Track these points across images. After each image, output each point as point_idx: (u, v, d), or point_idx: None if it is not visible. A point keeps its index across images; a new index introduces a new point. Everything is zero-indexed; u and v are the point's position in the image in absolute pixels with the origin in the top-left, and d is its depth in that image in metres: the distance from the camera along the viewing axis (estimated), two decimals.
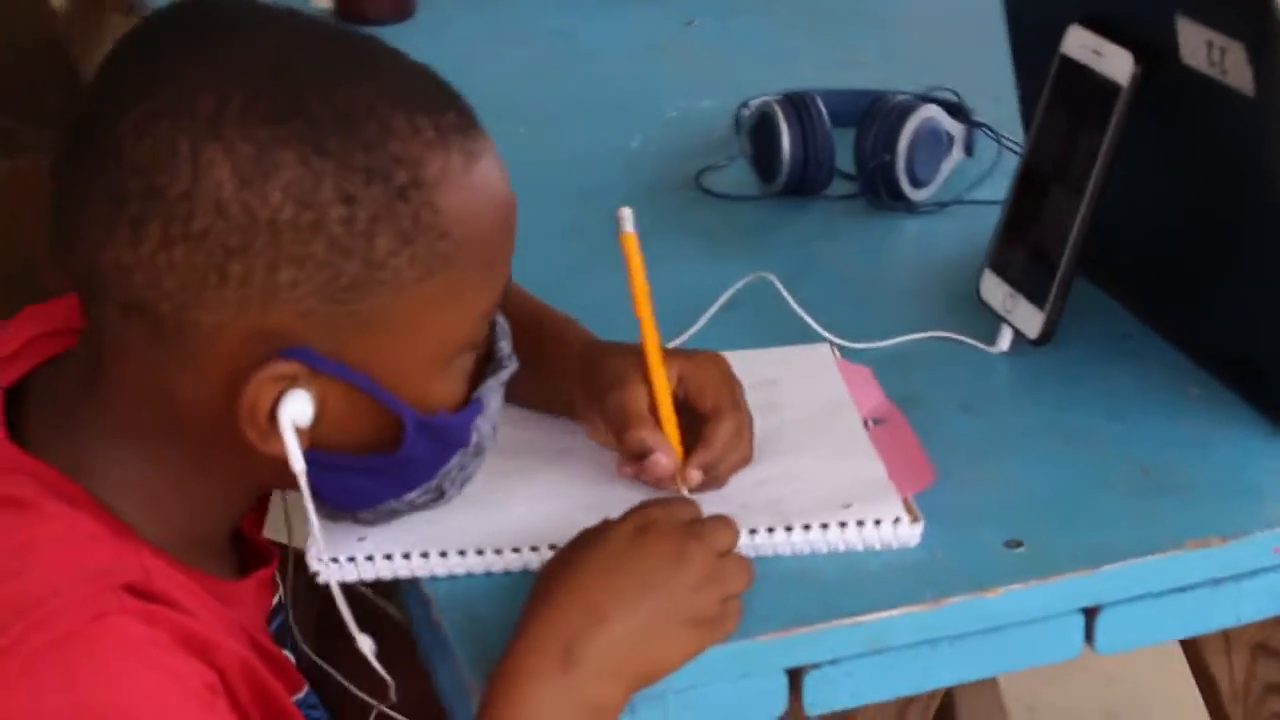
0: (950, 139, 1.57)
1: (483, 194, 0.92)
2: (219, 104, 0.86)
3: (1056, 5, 1.31)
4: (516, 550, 1.07)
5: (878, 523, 1.08)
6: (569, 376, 1.12)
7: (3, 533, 0.89)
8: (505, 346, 1.01)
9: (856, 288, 1.43)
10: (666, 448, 1.09)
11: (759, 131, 1.57)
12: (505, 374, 1.01)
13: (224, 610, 0.96)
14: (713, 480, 1.11)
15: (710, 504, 1.07)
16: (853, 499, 1.10)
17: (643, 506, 1.02)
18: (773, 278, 1.34)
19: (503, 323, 1.01)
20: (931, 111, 1.54)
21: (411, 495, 1.00)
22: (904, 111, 1.53)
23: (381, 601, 1.22)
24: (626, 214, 1.12)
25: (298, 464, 0.91)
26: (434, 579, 1.06)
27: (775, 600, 1.03)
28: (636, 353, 1.12)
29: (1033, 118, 1.41)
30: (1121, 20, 1.23)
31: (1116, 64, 1.22)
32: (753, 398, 1.21)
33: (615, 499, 1.10)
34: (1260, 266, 1.18)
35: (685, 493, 1.09)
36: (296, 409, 0.90)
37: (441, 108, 0.92)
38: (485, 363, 1.00)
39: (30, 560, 0.88)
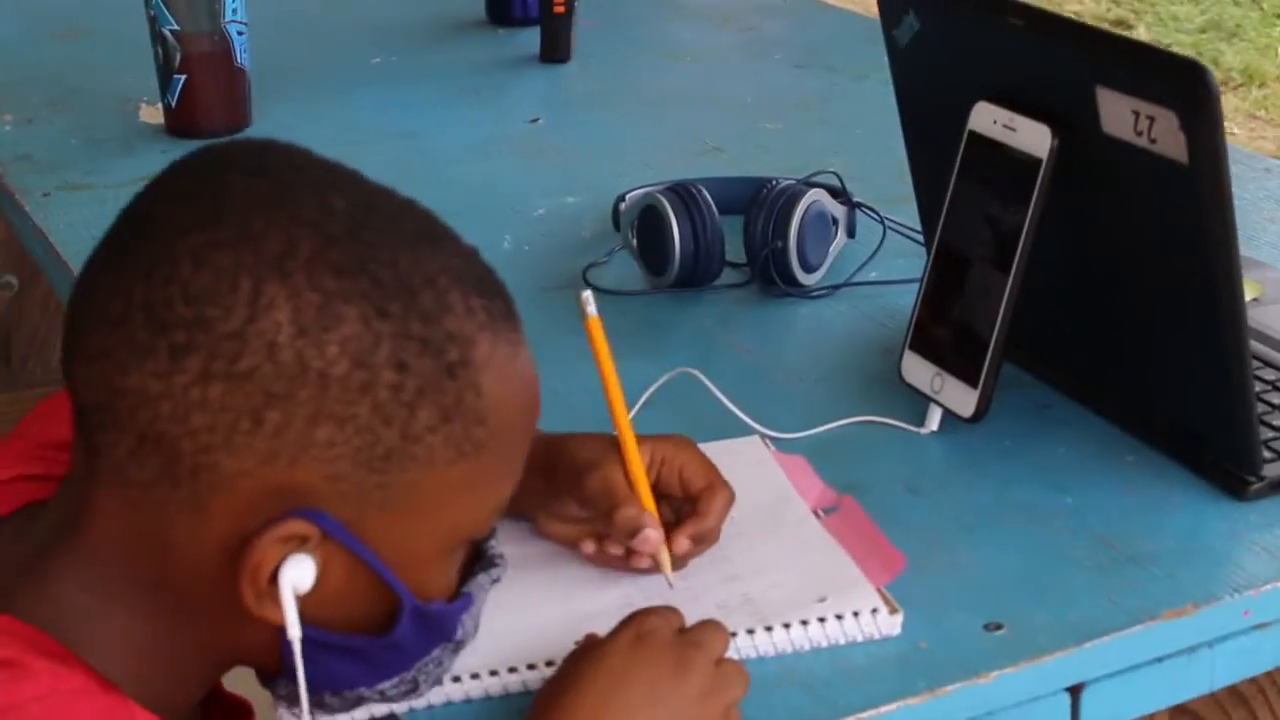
0: (835, 221, 1.57)
1: (520, 387, 0.89)
2: (287, 247, 0.82)
3: (957, 83, 1.31)
4: (495, 674, 1.02)
5: (856, 614, 1.06)
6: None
7: None
8: (495, 545, 0.98)
9: (768, 377, 1.42)
10: (655, 523, 1.08)
11: (645, 225, 1.55)
12: (497, 573, 0.97)
13: None
14: (689, 554, 1.10)
15: (685, 605, 1.04)
16: (826, 592, 1.08)
17: (637, 615, 0.98)
18: (697, 373, 1.32)
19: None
20: (818, 195, 1.54)
21: (385, 685, 0.95)
22: (793, 197, 1.52)
23: None
24: (588, 296, 1.12)
25: (294, 630, 0.86)
26: (412, 712, 1.01)
27: (771, 704, 1.00)
28: (603, 439, 1.11)
29: (930, 196, 1.42)
30: (1033, 94, 1.24)
31: (1033, 138, 1.22)
32: None
33: (585, 609, 1.08)
34: (1193, 333, 1.19)
35: (668, 573, 1.08)
36: (299, 573, 0.85)
37: (492, 293, 0.88)
38: (473, 558, 0.96)
39: None
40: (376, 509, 0.85)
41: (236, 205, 0.84)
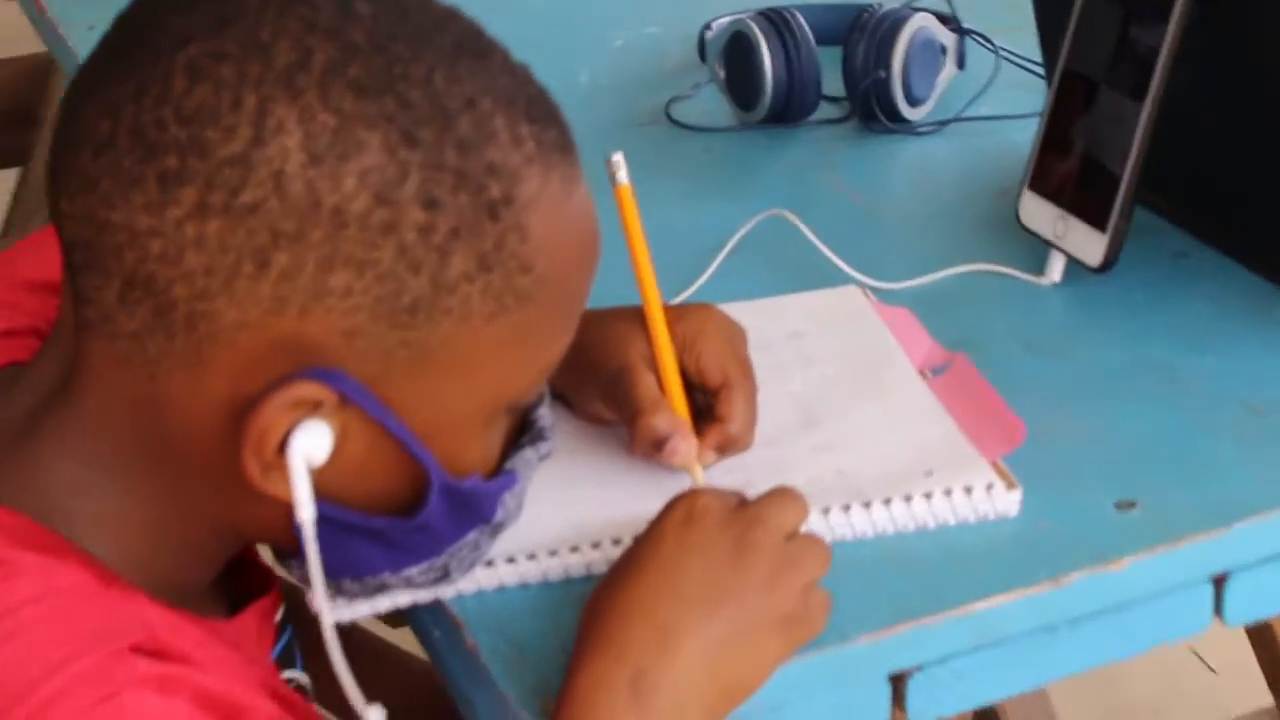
0: (944, 49, 1.42)
1: (575, 229, 0.76)
2: (301, 57, 0.69)
3: None
4: (554, 554, 0.90)
5: (968, 490, 0.93)
6: None
7: None
8: (545, 415, 0.85)
9: (869, 221, 1.28)
10: (684, 431, 0.93)
11: (734, 54, 1.40)
12: (545, 448, 0.84)
13: (238, 658, 0.79)
14: (718, 460, 0.96)
15: (769, 480, 0.91)
16: (933, 465, 0.95)
17: (686, 495, 0.85)
18: (789, 215, 1.18)
19: (543, 387, 0.85)
20: (924, 21, 1.39)
21: (412, 571, 0.83)
22: (896, 23, 1.37)
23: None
24: (619, 161, 0.96)
25: (305, 510, 0.74)
26: (460, 598, 0.89)
27: (867, 593, 0.88)
28: (630, 320, 0.97)
29: (1052, 17, 1.26)
30: None
31: None
32: (782, 353, 1.06)
33: (653, 481, 0.95)
34: None
35: (700, 484, 0.93)
36: (312, 443, 0.73)
37: (545, 120, 0.75)
38: (518, 430, 0.84)
39: (11, 630, 0.70)
40: (402, 369, 0.73)
41: (244, 9, 0.71)
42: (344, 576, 0.83)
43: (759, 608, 0.81)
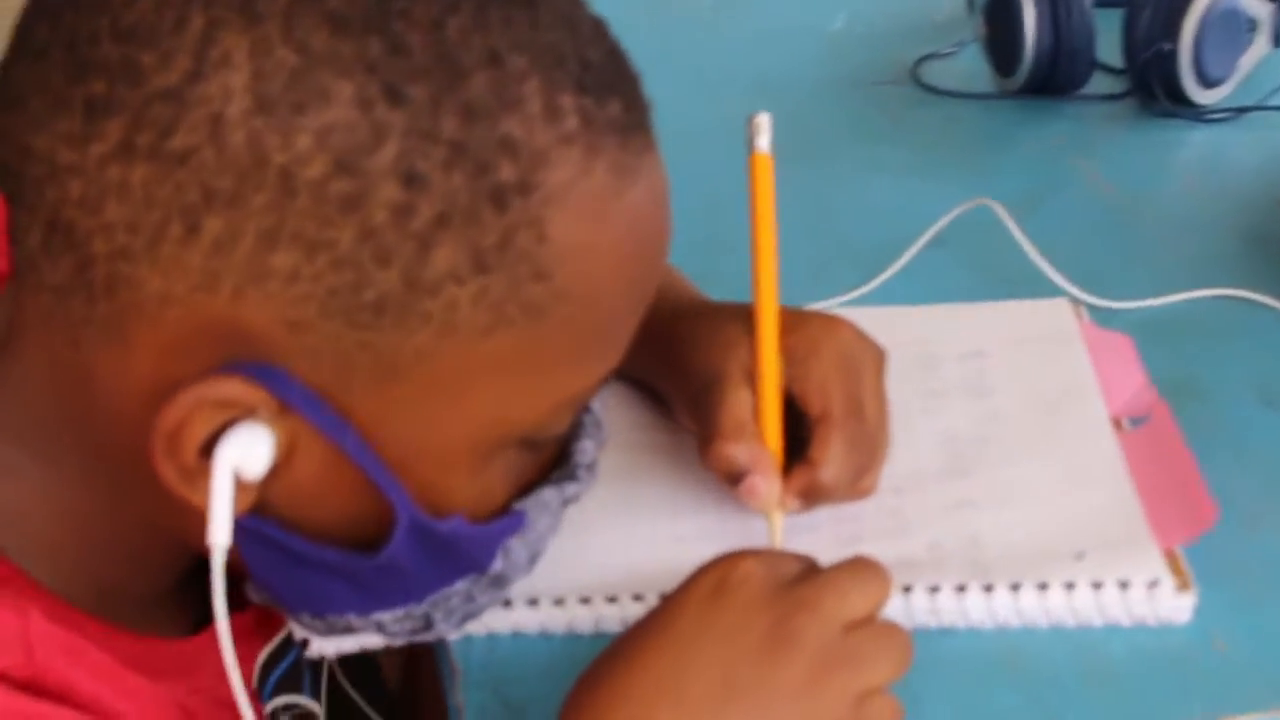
0: (1252, 24, 1.21)
1: (621, 234, 0.59)
2: None
3: None
4: (585, 601, 0.74)
5: (1124, 585, 0.72)
6: (650, 341, 0.76)
7: None
8: (589, 450, 0.68)
9: (1116, 222, 1.08)
10: (765, 466, 0.76)
11: (998, 10, 1.22)
12: (573, 489, 0.68)
13: (155, 689, 0.65)
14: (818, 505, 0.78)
15: (880, 541, 0.73)
16: (1087, 545, 0.75)
17: (725, 559, 0.66)
18: (998, 206, 0.98)
19: (596, 416, 0.68)
20: None
21: (383, 616, 0.68)
22: None
23: None
24: (762, 122, 0.76)
25: (219, 532, 0.59)
26: (467, 639, 0.73)
27: (963, 706, 0.69)
28: (740, 320, 0.79)
29: None
30: None
31: None
32: (951, 376, 0.89)
33: (735, 522, 0.78)
34: None
35: (777, 541, 0.75)
36: (245, 453, 0.58)
37: (604, 92, 0.58)
38: (550, 464, 0.68)
39: None
40: (365, 379, 0.57)
41: None
42: (302, 611, 0.69)
43: (789, 714, 0.63)
